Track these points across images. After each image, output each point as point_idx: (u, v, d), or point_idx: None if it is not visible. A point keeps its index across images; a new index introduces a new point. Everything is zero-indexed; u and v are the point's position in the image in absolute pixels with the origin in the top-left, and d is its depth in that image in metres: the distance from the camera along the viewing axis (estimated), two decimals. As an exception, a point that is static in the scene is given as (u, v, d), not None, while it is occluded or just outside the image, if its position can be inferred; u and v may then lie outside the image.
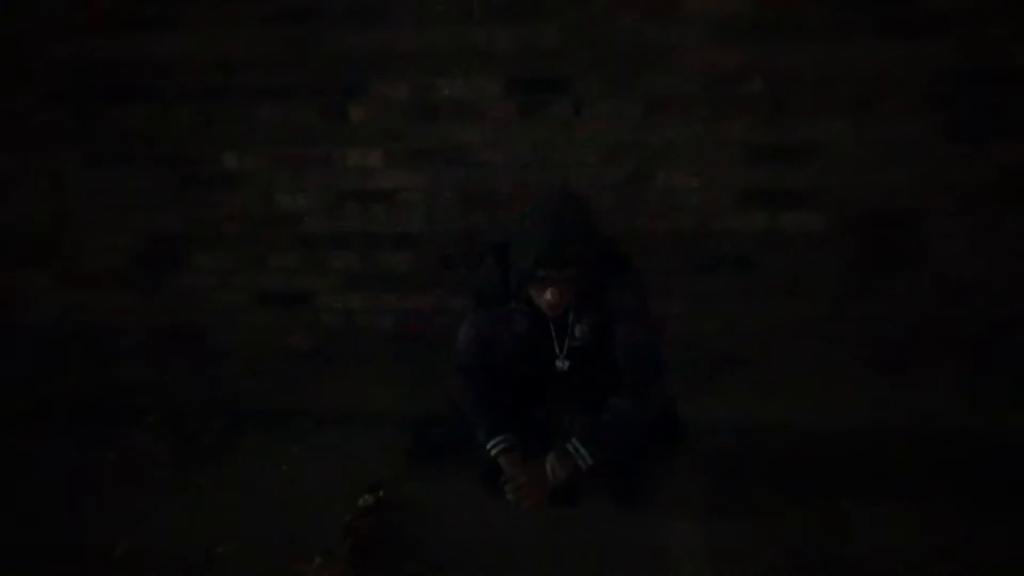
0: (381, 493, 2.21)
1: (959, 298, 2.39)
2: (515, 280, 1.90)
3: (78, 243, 2.72)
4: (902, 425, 2.44)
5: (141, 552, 2.03)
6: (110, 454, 2.51)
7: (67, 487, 2.32)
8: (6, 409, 2.69)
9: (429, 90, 2.39)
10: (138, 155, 2.58)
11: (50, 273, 2.78)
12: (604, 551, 2.00)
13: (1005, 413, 2.41)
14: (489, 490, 2.16)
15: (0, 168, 2.67)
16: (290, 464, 2.43)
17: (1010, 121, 2.22)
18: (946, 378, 2.45)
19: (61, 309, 2.81)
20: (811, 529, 2.05)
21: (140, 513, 2.19)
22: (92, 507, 2.22)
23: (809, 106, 2.27)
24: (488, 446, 2.03)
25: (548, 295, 1.83)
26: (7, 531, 2.12)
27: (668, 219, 2.41)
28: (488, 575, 1.91)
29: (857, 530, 2.03)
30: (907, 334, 2.43)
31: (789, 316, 2.47)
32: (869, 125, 2.27)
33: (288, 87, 2.45)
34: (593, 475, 2.02)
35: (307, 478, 2.34)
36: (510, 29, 2.31)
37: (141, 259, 2.70)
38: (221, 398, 2.74)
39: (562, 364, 2.03)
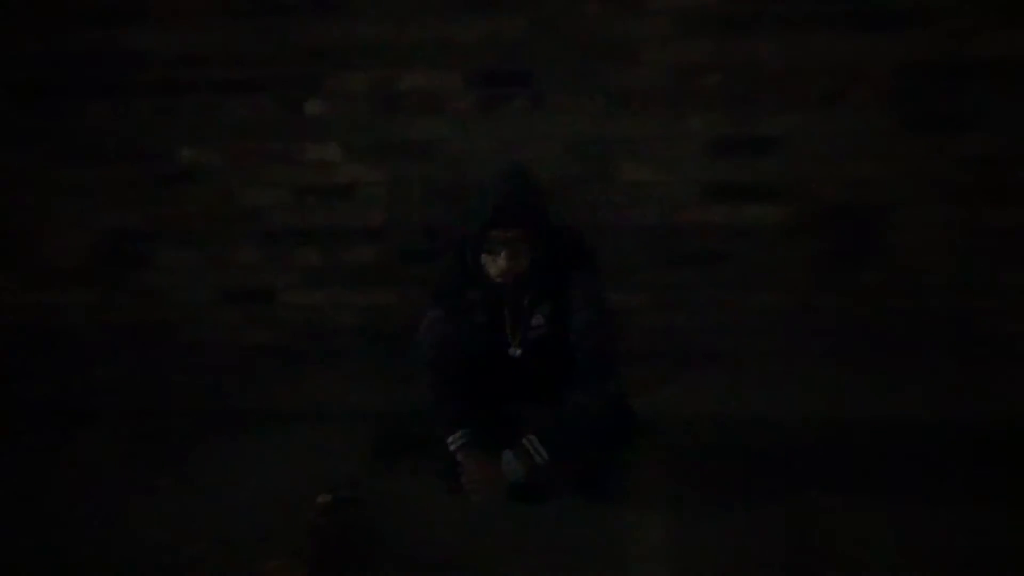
0: (340, 491, 2.20)
1: (924, 290, 2.40)
2: (470, 254, 1.90)
3: (38, 240, 2.67)
4: (869, 416, 2.45)
5: (101, 555, 2.00)
6: (70, 455, 2.47)
7: (26, 489, 2.28)
8: (-36, 410, 2.65)
9: (390, 83, 2.36)
10: (100, 151, 2.53)
11: (9, 270, 2.72)
12: (571, 546, 2.00)
13: (971, 403, 2.44)
14: (448, 485, 2.16)
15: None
16: (257, 463, 2.40)
17: (971, 114, 2.23)
18: (912, 369, 2.47)
19: (21, 307, 2.76)
20: (780, 521, 2.06)
21: (101, 516, 2.16)
22: (51, 510, 2.19)
23: (774, 99, 2.27)
24: (448, 441, 2.03)
25: (501, 258, 1.84)
26: (-40, 536, 2.10)
27: (633, 213, 2.41)
28: (453, 571, 1.91)
29: (826, 521, 2.05)
30: (873, 326, 2.45)
31: (756, 308, 2.47)
32: (834, 118, 2.27)
33: (249, 80, 2.41)
34: (557, 469, 2.02)
35: (272, 477, 2.32)
36: (472, 21, 2.28)
37: (103, 256, 2.66)
38: (185, 397, 2.72)
39: (514, 351, 2.03)
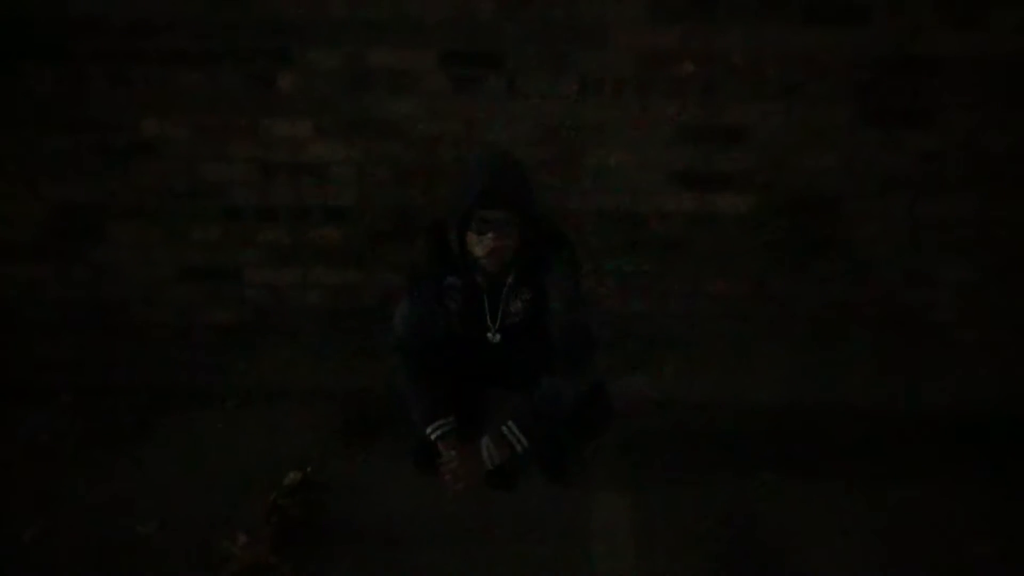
0: (308, 470, 2.19)
1: (875, 280, 2.48)
2: (455, 234, 1.88)
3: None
4: (819, 401, 2.54)
5: (53, 535, 1.96)
6: (21, 435, 2.40)
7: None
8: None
9: (361, 59, 2.33)
10: (50, 120, 2.45)
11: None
12: (533, 526, 2.03)
13: (917, 389, 2.54)
14: (422, 470, 2.16)
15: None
16: (215, 442, 2.38)
17: (925, 109, 2.31)
18: (859, 357, 2.56)
19: (-32, 282, 2.65)
20: (734, 502, 2.12)
21: (53, 495, 2.11)
22: (1, 489, 2.13)
23: (739, 90, 2.31)
24: (428, 431, 2.02)
25: (488, 238, 1.83)
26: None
27: (599, 198, 2.43)
28: (416, 552, 1.92)
29: (778, 502, 2.12)
30: (825, 314, 2.52)
31: (715, 295, 2.53)
32: (795, 110, 2.32)
33: (213, 51, 2.35)
34: (532, 454, 2.05)
35: (232, 456, 2.30)
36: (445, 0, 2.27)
37: (54, 230, 2.57)
38: (142, 375, 2.66)
39: (493, 337, 2.03)
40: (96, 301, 2.63)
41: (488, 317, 2.02)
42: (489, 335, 2.04)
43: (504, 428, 1.98)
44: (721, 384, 2.58)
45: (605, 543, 1.97)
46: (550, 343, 1.98)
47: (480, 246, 1.86)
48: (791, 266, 2.48)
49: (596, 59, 2.30)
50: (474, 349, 2.07)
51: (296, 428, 2.43)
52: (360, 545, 1.94)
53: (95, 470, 2.22)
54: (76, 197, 2.53)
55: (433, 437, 2.02)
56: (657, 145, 2.37)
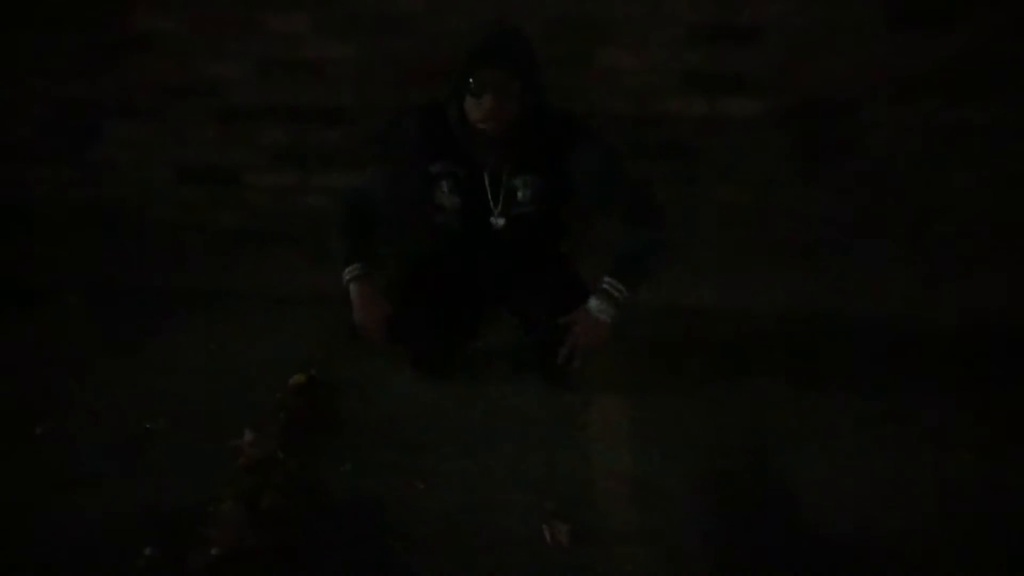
0: (313, 372, 2.22)
1: (885, 189, 2.44)
2: (454, 100, 1.81)
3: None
4: (820, 311, 2.55)
5: (63, 431, 2.00)
6: (27, 334, 2.43)
7: (-18, 367, 2.25)
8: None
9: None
10: (38, 15, 2.36)
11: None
12: (532, 426, 2.07)
13: (920, 301, 2.53)
14: (422, 371, 2.19)
15: None
16: (219, 344, 2.40)
17: (947, 12, 2.20)
18: (865, 266, 2.54)
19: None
20: (731, 408, 2.15)
21: (61, 394, 2.14)
22: (7, 389, 2.16)
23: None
24: (344, 271, 1.98)
25: (486, 100, 1.74)
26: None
27: (607, 99, 2.36)
28: (418, 452, 1.96)
29: (775, 409, 2.15)
30: (832, 223, 2.49)
31: (721, 202, 2.49)
32: (814, 8, 2.22)
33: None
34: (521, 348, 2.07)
35: (237, 357, 2.33)
36: None
37: (50, 128, 2.52)
38: (146, 277, 2.66)
39: (496, 221, 1.97)
40: (96, 202, 2.61)
41: (491, 200, 1.94)
42: (492, 219, 1.96)
43: (605, 284, 1.96)
44: (723, 292, 2.58)
45: (603, 445, 2.01)
46: (558, 236, 1.92)
47: (478, 110, 1.76)
48: (800, 173, 2.43)
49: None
50: (474, 242, 2.01)
51: (300, 332, 2.45)
52: (364, 444, 1.98)
53: (102, 370, 2.25)
54: (70, 94, 2.47)
55: (347, 278, 1.98)
56: (670, 44, 2.28)
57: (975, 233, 2.47)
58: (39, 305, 2.55)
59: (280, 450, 1.92)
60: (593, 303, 1.98)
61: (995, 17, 2.19)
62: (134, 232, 2.64)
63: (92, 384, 2.19)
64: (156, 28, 2.35)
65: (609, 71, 2.32)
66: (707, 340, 2.46)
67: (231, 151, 2.51)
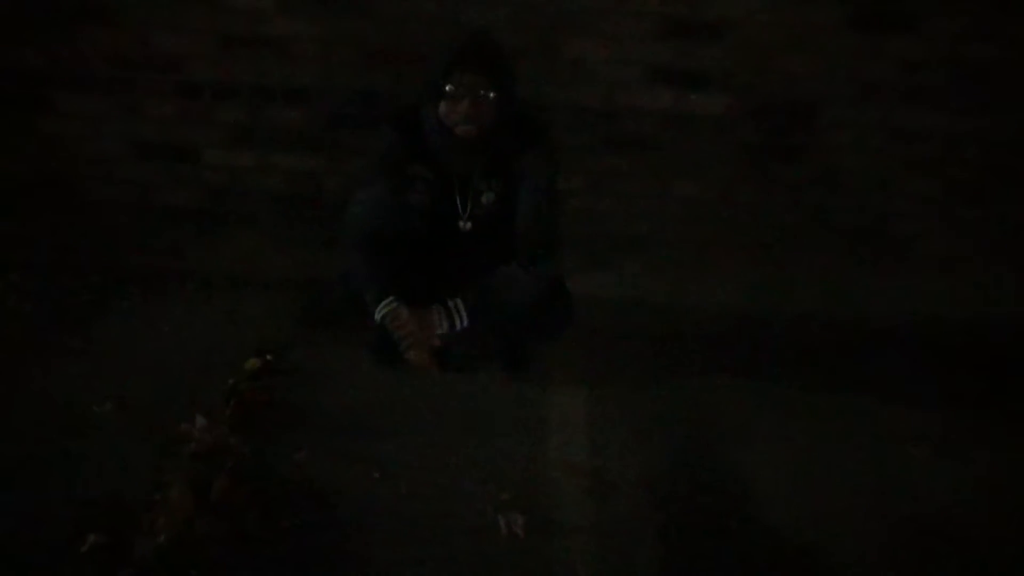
0: (268, 357, 2.18)
1: (843, 189, 2.48)
2: (430, 103, 1.82)
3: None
4: (778, 308, 2.58)
5: (6, 413, 1.93)
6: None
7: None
8: None
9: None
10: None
11: None
12: (489, 416, 2.07)
13: (874, 300, 2.59)
14: (379, 359, 2.17)
15: None
16: (172, 326, 2.34)
17: (913, 13, 2.24)
18: (819, 266, 2.58)
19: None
20: (688, 402, 2.18)
21: (4, 375, 2.07)
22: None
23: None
24: (377, 309, 1.97)
25: (463, 104, 1.77)
26: None
27: (574, 91, 2.35)
28: (374, 440, 1.95)
29: (731, 403, 2.18)
30: (791, 221, 2.52)
31: (683, 198, 2.50)
32: (780, 6, 2.24)
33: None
34: (481, 335, 2.07)
35: (191, 340, 2.28)
36: None
37: (-1, 97, 2.43)
38: (96, 255, 2.58)
39: (464, 225, 1.99)
40: (46, 176, 2.52)
41: (459, 205, 1.97)
42: (460, 223, 1.99)
43: (450, 303, 1.97)
44: (682, 287, 2.60)
45: (560, 436, 2.02)
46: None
47: (454, 113, 1.79)
48: (762, 171, 2.46)
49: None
50: (443, 238, 2.02)
51: (256, 315, 2.41)
52: (319, 431, 1.96)
53: (47, 351, 2.18)
54: (17, 64, 2.37)
55: (383, 311, 1.96)
56: (638, 37, 2.28)
57: (929, 235, 2.52)
58: (-18, 283, 2.46)
59: (232, 436, 1.89)
60: (436, 309, 1.97)
61: (954, 23, 2.23)
62: (86, 209, 2.56)
63: (36, 365, 2.12)
64: (111, -2, 2.27)
65: (577, 62, 2.31)
66: (665, 334, 2.49)
67: (189, 128, 2.44)
